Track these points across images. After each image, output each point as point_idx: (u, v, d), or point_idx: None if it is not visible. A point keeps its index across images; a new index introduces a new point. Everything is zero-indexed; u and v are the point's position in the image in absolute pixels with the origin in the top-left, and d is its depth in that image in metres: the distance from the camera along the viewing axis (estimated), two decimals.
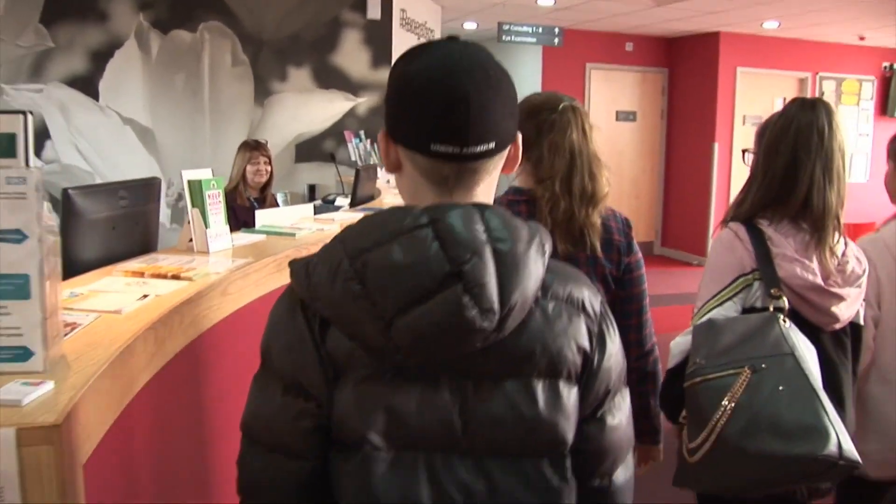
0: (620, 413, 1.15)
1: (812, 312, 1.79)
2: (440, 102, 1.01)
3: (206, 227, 2.54)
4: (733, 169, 9.43)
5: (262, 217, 3.25)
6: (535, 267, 1.02)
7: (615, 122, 9.93)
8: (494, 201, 1.12)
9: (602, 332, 1.11)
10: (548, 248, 1.06)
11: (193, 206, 2.57)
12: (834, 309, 1.79)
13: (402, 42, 6.67)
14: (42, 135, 5.73)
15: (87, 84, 5.85)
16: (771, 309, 1.72)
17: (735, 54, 9.29)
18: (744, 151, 2.02)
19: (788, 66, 9.47)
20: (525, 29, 7.76)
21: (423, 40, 6.99)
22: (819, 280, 1.77)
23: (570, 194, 1.89)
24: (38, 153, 5.81)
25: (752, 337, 1.66)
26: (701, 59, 9.57)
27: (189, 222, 2.59)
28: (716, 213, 9.35)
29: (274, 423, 1.07)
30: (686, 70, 9.86)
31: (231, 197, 4.47)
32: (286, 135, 6.39)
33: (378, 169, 5.17)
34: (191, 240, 2.53)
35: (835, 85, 9.77)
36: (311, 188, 6.34)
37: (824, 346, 1.79)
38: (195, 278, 2.05)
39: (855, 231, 3.29)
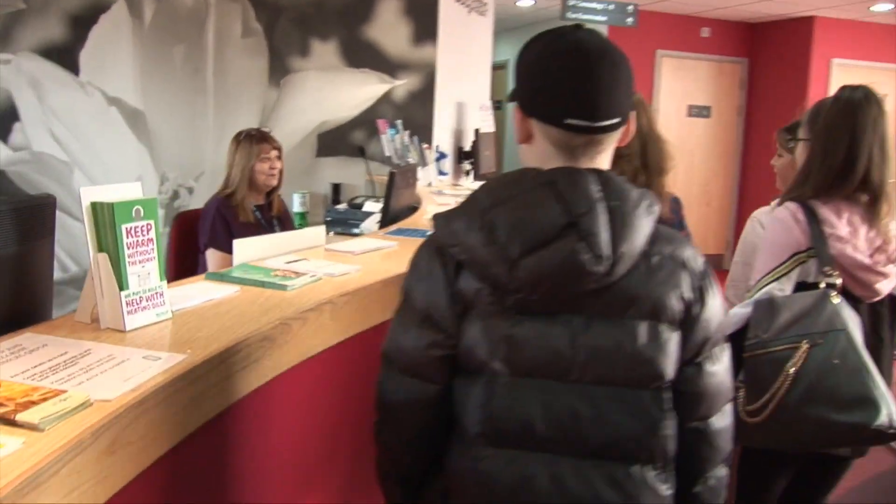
0: (719, 363, 1.29)
1: (858, 288, 2.00)
2: (575, 82, 1.20)
3: (121, 289, 1.44)
4: None
5: (244, 250, 2.14)
6: (642, 224, 1.19)
7: (686, 117, 8.76)
8: None
9: (703, 287, 1.26)
10: (656, 209, 1.23)
11: (100, 248, 1.46)
12: (878, 285, 2.01)
13: (449, 16, 5.59)
14: (9, 115, 4.80)
15: (64, 55, 4.85)
16: (823, 285, 1.91)
17: (831, 44, 8.06)
18: (789, 139, 2.34)
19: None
20: (594, 6, 6.64)
21: (473, 14, 5.88)
22: (867, 260, 1.99)
23: (647, 168, 2.16)
24: (2, 138, 4.81)
25: (808, 313, 1.86)
26: (788, 48, 8.36)
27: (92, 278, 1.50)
28: None
29: (409, 352, 1.27)
30: (769, 61, 8.65)
31: (227, 210, 3.35)
32: (307, 123, 5.34)
33: (419, 170, 4.06)
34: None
35: None
36: (336, 188, 5.38)
37: (863, 317, 1.97)
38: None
39: None
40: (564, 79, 1.20)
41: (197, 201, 5.07)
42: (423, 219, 3.32)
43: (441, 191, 4.68)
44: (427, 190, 4.57)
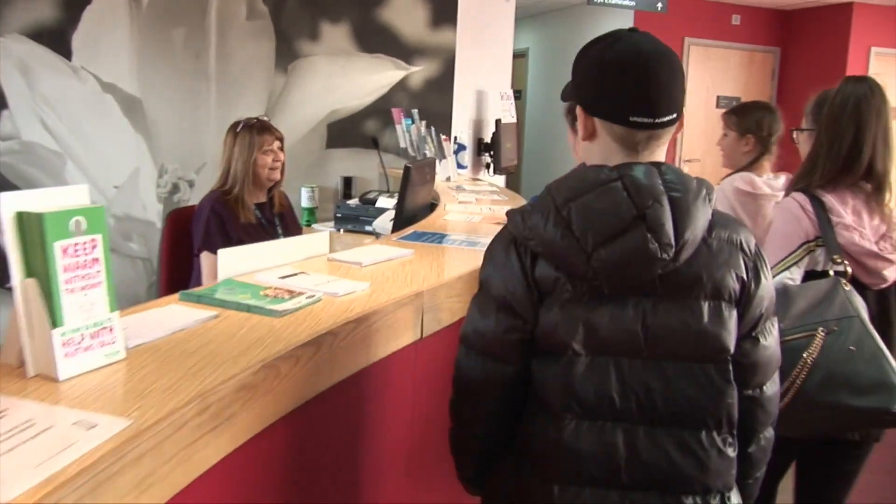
0: (771, 336, 1.42)
1: (865, 275, 2.05)
2: (638, 83, 1.32)
3: (55, 326, 1.09)
4: None
5: (230, 261, 1.80)
6: (702, 212, 1.31)
7: (715, 108, 8.35)
8: None
9: (757, 266, 1.37)
10: (712, 198, 1.35)
11: (28, 273, 1.11)
12: (885, 272, 2.07)
13: None
14: None
15: (56, 38, 4.52)
16: (832, 273, 1.98)
17: (870, 31, 7.64)
18: (792, 130, 2.38)
19: None
20: None
21: None
22: (874, 247, 2.05)
23: None
24: None
25: (821, 302, 1.91)
26: (824, 36, 7.95)
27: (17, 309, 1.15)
28: None
29: (488, 336, 1.36)
30: (803, 50, 8.24)
31: (223, 209, 3.01)
32: (316, 111, 4.99)
33: (437, 163, 3.70)
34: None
35: None
36: (347, 182, 5.05)
37: (870, 304, 2.01)
38: None
39: None
40: (628, 80, 1.32)
41: (198, 195, 4.72)
42: (441, 219, 2.97)
43: (461, 186, 4.32)
44: (445, 185, 4.22)
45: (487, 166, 5.87)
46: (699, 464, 1.34)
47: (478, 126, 5.80)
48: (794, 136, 2.37)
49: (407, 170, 2.82)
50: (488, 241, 1.45)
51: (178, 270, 3.21)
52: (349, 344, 1.50)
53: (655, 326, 1.31)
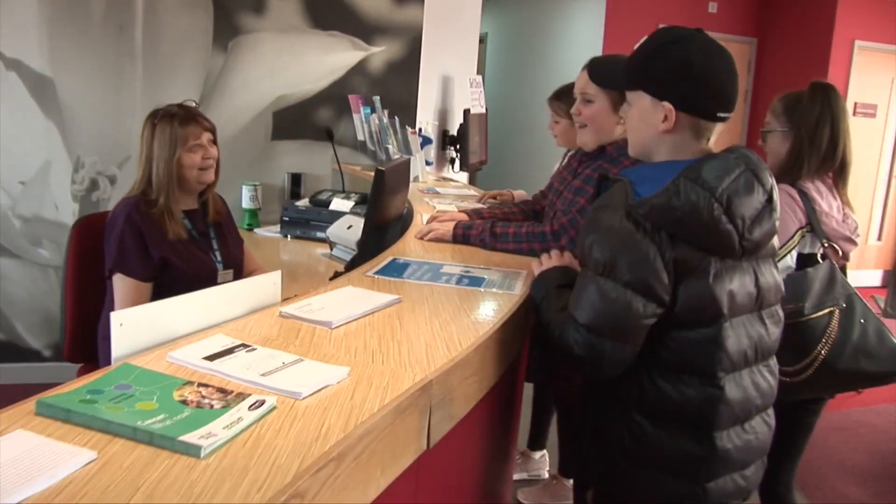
0: None
1: (835, 256, 2.27)
2: (725, 82, 1.52)
3: None
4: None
5: (129, 330, 1.15)
6: None
7: None
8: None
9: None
10: None
11: None
12: (850, 252, 2.33)
13: None
14: None
15: None
16: (820, 256, 2.23)
17: (855, 24, 7.20)
18: (763, 132, 2.47)
19: None
20: None
21: None
22: (848, 231, 2.31)
23: None
24: None
25: (828, 284, 2.14)
26: (805, 27, 7.48)
27: None
28: None
29: (620, 319, 1.44)
30: (780, 41, 7.80)
31: (142, 219, 2.35)
32: (260, 97, 4.33)
33: (412, 160, 3.10)
34: None
35: None
36: (295, 179, 4.45)
37: None
38: None
39: None
40: (723, 81, 1.52)
41: (121, 193, 3.94)
42: (419, 239, 2.34)
43: (431, 188, 3.70)
44: (413, 186, 3.59)
45: (452, 162, 5.27)
46: (773, 383, 1.65)
47: (442, 116, 5.19)
48: (764, 136, 2.47)
49: (380, 174, 2.19)
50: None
51: (87, 295, 2.55)
52: (325, 499, 0.88)
53: (760, 285, 1.56)
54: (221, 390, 1.02)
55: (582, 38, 7.59)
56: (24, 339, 4.03)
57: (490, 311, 1.57)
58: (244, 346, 1.20)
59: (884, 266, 8.09)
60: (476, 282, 1.77)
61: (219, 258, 2.51)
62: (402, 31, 4.46)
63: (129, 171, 4.04)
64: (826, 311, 2.11)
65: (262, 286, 1.44)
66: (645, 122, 1.55)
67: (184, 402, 0.97)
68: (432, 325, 1.42)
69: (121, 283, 2.33)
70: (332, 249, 3.37)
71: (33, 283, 4.02)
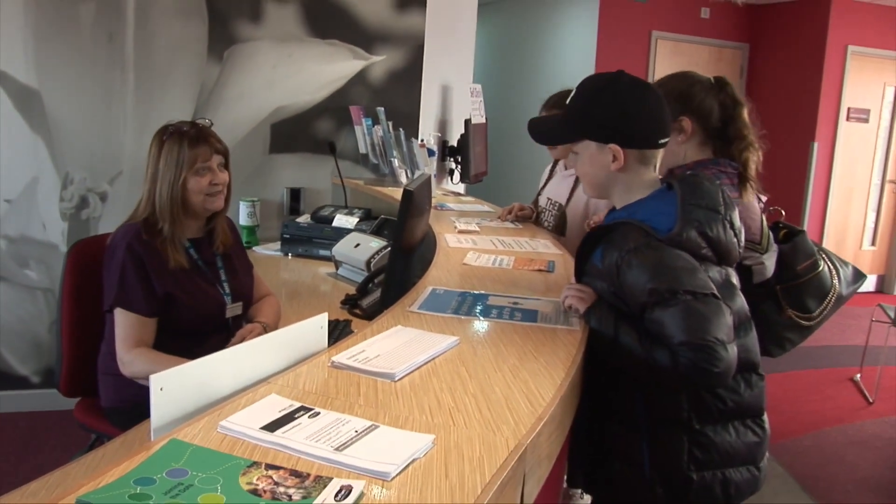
0: None
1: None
2: (659, 111, 1.67)
3: None
4: (834, 175, 7.47)
5: (171, 393, 0.98)
6: None
7: None
8: None
9: None
10: None
11: None
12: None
13: None
14: None
15: None
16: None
17: (848, 29, 7.13)
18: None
19: None
20: None
21: None
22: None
23: None
24: None
25: (800, 252, 2.26)
26: (798, 33, 7.41)
27: None
28: (810, 228, 7.25)
29: (725, 325, 1.49)
30: (772, 46, 7.72)
31: (144, 248, 2.15)
32: (258, 109, 4.16)
33: (433, 177, 2.94)
34: None
35: None
36: (295, 194, 4.29)
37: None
38: None
39: None
40: (653, 111, 1.66)
41: (111, 211, 3.85)
42: (457, 263, 2.18)
43: (443, 205, 3.54)
44: (440, 212, 3.42)
45: (451, 173, 5.11)
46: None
47: (442, 127, 5.04)
48: None
49: (408, 195, 2.03)
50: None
51: (84, 326, 2.37)
52: None
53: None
54: (295, 473, 0.85)
55: (575, 47, 7.46)
56: (10, 364, 3.82)
57: (557, 351, 1.42)
58: (304, 409, 1.04)
59: (878, 271, 8.04)
60: (529, 316, 1.62)
61: (227, 290, 2.31)
62: (403, 39, 4.31)
63: (120, 188, 3.86)
64: (822, 265, 2.28)
65: (308, 332, 1.27)
66: (596, 166, 1.67)
67: (255, 493, 0.80)
68: (503, 373, 1.27)
69: (123, 319, 2.13)
70: (337, 269, 3.20)
71: (20, 305, 3.82)
